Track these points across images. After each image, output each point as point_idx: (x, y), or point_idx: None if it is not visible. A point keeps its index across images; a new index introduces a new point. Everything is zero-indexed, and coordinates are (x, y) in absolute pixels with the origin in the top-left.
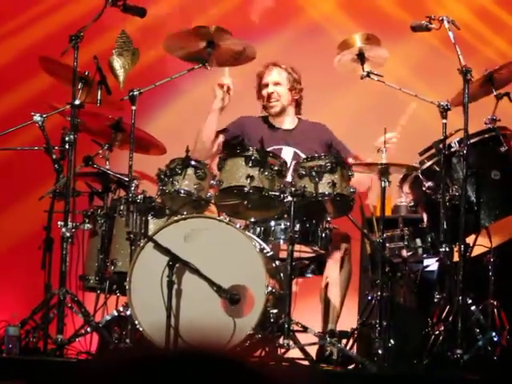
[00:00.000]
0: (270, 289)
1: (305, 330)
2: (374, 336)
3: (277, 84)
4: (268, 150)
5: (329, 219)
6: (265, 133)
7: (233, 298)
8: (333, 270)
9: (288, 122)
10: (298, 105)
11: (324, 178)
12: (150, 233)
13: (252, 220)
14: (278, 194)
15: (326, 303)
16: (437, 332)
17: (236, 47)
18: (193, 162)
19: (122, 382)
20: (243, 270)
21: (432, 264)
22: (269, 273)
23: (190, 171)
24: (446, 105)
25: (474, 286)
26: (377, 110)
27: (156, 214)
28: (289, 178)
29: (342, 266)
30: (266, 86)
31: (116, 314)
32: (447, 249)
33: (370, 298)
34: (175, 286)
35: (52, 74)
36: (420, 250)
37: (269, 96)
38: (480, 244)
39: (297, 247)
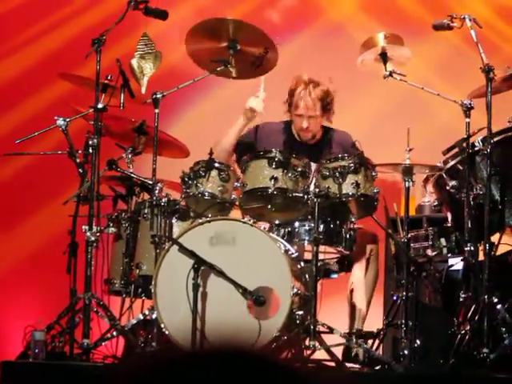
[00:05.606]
0: (295, 290)
1: (331, 331)
2: (399, 336)
3: (311, 117)
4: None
5: (353, 220)
6: (286, 144)
7: (258, 300)
8: (358, 271)
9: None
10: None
11: (348, 179)
12: (174, 236)
13: (276, 222)
14: (301, 195)
15: (352, 305)
16: (463, 331)
17: (257, 50)
18: (216, 164)
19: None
20: (268, 272)
21: (457, 263)
22: (294, 274)
23: (214, 173)
24: (469, 103)
25: (500, 285)
26: (399, 110)
27: (180, 217)
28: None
29: (367, 267)
30: (299, 116)
31: (142, 317)
32: (472, 248)
33: (395, 298)
34: (200, 289)
35: (74, 83)
36: (445, 250)
37: (301, 129)
38: (505, 243)
39: (321, 248)
